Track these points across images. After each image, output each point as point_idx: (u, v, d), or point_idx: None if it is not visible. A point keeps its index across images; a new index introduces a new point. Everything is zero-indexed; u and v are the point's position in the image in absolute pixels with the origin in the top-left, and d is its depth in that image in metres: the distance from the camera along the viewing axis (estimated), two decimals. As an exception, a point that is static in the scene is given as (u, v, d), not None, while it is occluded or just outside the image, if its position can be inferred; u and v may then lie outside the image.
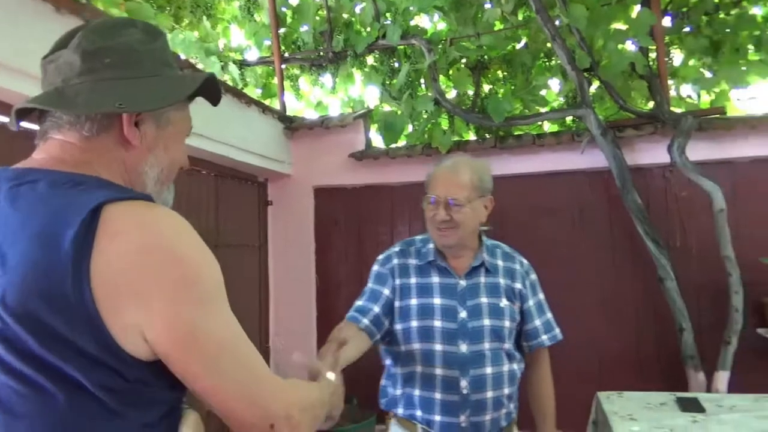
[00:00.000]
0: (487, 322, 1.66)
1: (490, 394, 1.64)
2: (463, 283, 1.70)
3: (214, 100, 0.98)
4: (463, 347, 1.64)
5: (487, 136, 3.76)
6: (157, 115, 0.85)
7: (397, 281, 1.73)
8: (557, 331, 1.82)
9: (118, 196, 0.72)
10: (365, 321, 1.64)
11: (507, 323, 1.69)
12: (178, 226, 0.75)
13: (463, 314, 1.66)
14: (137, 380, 0.72)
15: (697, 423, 2.13)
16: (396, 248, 1.81)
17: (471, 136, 3.98)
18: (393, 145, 3.82)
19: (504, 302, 1.71)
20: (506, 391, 1.67)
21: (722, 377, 3.05)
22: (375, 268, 1.78)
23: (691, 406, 2.31)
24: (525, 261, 1.83)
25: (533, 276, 1.82)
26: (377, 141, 4.04)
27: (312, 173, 4.00)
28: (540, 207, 3.69)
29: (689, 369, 3.12)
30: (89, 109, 0.78)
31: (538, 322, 1.77)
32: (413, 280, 1.72)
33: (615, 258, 3.54)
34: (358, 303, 1.72)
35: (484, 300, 1.69)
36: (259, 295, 3.91)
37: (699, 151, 3.28)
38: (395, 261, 1.76)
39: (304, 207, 4.02)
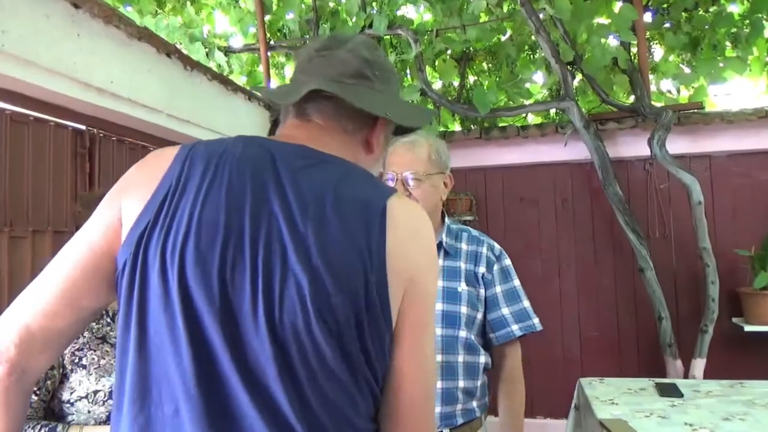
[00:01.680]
0: (439, 306, 1.54)
1: (438, 384, 1.49)
2: None
3: (410, 130, 1.08)
4: None
5: (473, 127, 3.80)
6: (388, 131, 0.96)
7: None
8: (534, 321, 1.64)
9: (393, 191, 0.83)
10: None
11: (464, 309, 1.56)
12: (429, 220, 0.85)
13: None
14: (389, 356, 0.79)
15: (675, 407, 2.20)
16: None
17: (456, 127, 4.01)
18: (379, 135, 3.83)
19: (462, 286, 1.58)
20: (461, 384, 1.53)
21: (699, 364, 3.15)
22: None
23: (670, 391, 2.39)
24: (496, 246, 1.68)
25: (505, 262, 1.67)
26: (363, 130, 4.04)
27: (297, 162, 3.98)
28: (523, 197, 3.75)
29: (667, 356, 3.22)
30: (377, 110, 0.87)
31: (506, 311, 1.62)
32: None
33: (596, 248, 3.62)
34: None
35: (439, 283, 1.55)
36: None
37: (678, 144, 3.37)
38: None
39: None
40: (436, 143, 1.62)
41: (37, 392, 1.30)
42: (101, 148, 2.48)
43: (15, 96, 2.07)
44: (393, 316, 0.76)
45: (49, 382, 1.32)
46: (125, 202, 0.79)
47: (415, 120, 0.96)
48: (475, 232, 1.70)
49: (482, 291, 1.61)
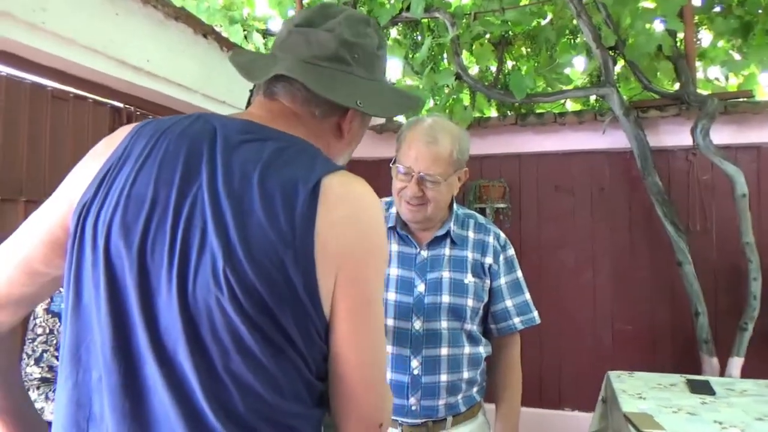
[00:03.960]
0: (446, 299, 1.50)
1: (444, 377, 1.49)
2: (424, 253, 1.55)
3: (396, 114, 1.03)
4: (417, 324, 1.49)
5: (509, 113, 3.73)
6: (365, 117, 0.93)
7: None
8: (534, 314, 1.64)
9: (334, 168, 0.78)
10: None
11: (470, 302, 1.53)
12: (376, 200, 0.82)
13: (420, 288, 1.52)
14: (325, 342, 0.77)
15: (706, 405, 2.13)
16: None
17: (492, 113, 3.95)
18: (413, 120, 3.80)
19: (469, 278, 1.54)
20: (465, 375, 1.53)
21: (736, 363, 3.04)
22: None
23: (702, 388, 2.32)
24: (502, 234, 1.64)
25: (510, 252, 1.63)
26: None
27: (331, 145, 4.00)
28: (559, 186, 3.68)
29: (703, 353, 3.11)
30: (343, 100, 0.83)
31: (509, 303, 1.60)
32: None
33: (633, 239, 3.52)
34: None
35: (446, 274, 1.53)
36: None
37: (724, 134, 3.23)
38: None
39: (322, 179, 4.04)
40: (458, 138, 1.51)
41: (41, 364, 1.35)
42: (138, 126, 2.54)
43: (55, 73, 2.15)
44: (324, 301, 0.74)
45: (47, 354, 1.37)
46: (84, 173, 0.81)
47: (393, 110, 0.92)
48: (482, 219, 1.66)
49: (488, 282, 1.58)
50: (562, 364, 3.59)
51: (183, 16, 2.61)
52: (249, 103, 0.93)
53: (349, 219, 0.76)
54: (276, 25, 4.52)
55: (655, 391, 2.31)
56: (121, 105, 2.47)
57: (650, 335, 3.47)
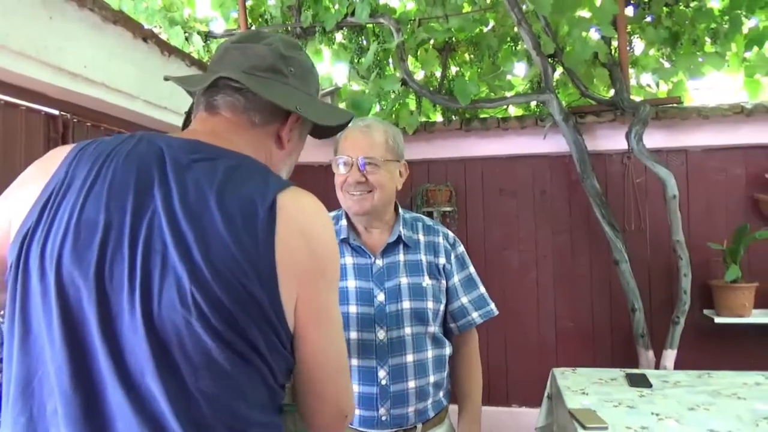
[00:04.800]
0: (407, 304, 1.51)
1: (412, 384, 1.50)
2: (379, 262, 1.55)
3: (329, 134, 1.06)
4: (381, 334, 1.49)
5: (453, 118, 3.80)
6: (303, 128, 0.97)
7: None
8: (491, 306, 1.67)
9: (286, 185, 0.82)
10: None
11: (430, 304, 1.54)
12: (324, 213, 0.85)
13: (380, 297, 1.51)
14: (290, 352, 0.81)
15: (644, 397, 2.24)
16: None
17: (437, 118, 4.01)
18: (360, 124, 3.80)
19: (427, 281, 1.56)
20: (432, 379, 1.54)
21: (670, 355, 3.21)
22: None
23: (640, 381, 2.43)
24: (450, 233, 1.68)
25: (460, 249, 1.67)
26: (344, 119, 4.01)
27: (277, 150, 3.96)
28: (503, 189, 3.77)
29: (640, 347, 3.27)
30: (282, 103, 0.87)
31: (465, 300, 1.63)
32: None
33: (573, 240, 3.66)
34: None
35: (404, 280, 1.54)
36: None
37: (656, 138, 3.41)
38: None
39: (269, 184, 3.99)
40: (392, 129, 1.58)
41: None
42: (75, 133, 2.44)
43: (-16, 79, 2.04)
44: (288, 313, 0.77)
45: None
46: (19, 200, 0.79)
47: (329, 118, 0.96)
48: (429, 221, 1.69)
49: (444, 282, 1.61)
50: (509, 362, 3.69)
51: (121, 19, 2.53)
52: (187, 121, 0.93)
53: (302, 235, 0.79)
54: (218, 26, 4.43)
55: (597, 386, 2.41)
56: (56, 112, 2.37)
57: (591, 331, 3.62)
